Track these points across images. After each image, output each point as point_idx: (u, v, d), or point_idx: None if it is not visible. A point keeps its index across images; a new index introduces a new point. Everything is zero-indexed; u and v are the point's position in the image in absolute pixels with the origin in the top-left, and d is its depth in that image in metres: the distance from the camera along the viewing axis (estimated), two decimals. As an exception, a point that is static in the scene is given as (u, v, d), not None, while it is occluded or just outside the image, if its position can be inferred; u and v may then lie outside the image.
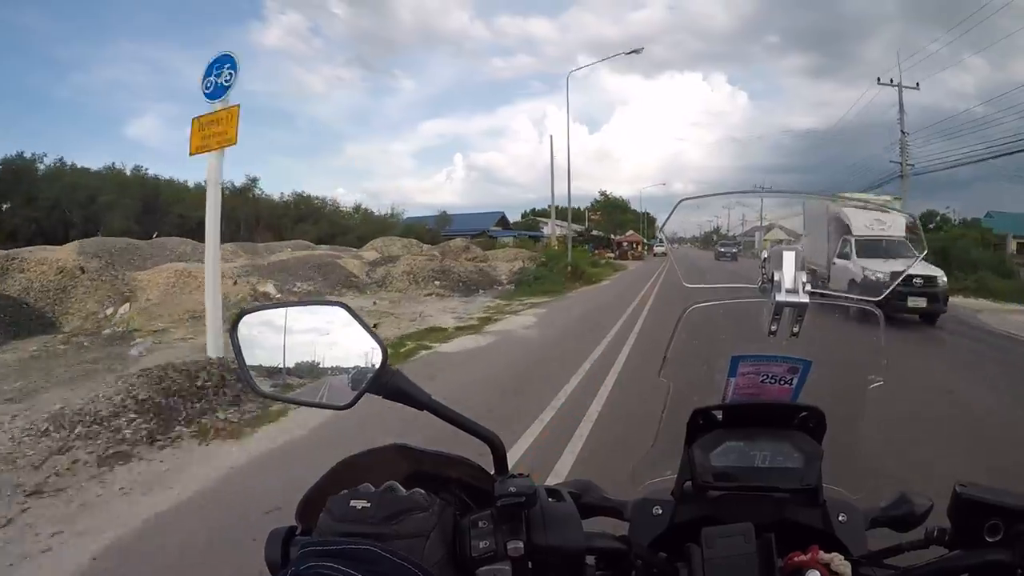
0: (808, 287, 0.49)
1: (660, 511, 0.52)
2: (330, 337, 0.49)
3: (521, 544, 0.41)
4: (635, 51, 15.32)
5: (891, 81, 15.90)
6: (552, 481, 0.65)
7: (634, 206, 40.50)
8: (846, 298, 0.59)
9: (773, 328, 0.51)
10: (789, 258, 0.51)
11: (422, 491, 0.39)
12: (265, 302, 0.64)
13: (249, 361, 0.48)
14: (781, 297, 0.50)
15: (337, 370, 0.47)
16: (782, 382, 0.54)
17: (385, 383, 0.46)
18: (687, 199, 0.60)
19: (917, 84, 16.17)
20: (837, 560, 0.44)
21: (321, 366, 0.48)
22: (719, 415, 0.52)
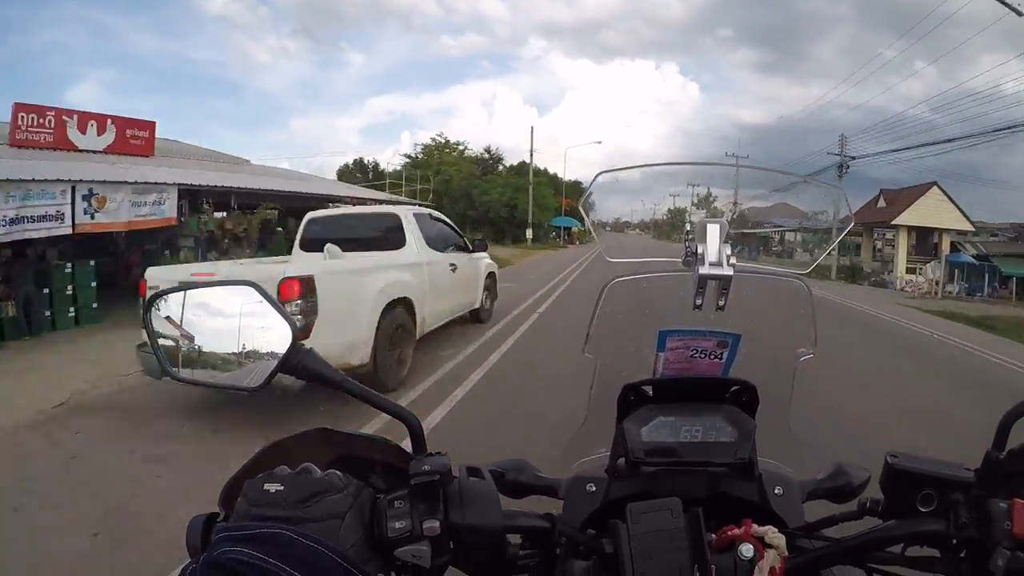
0: (733, 260, 0.50)
1: (594, 488, 0.54)
2: (242, 317, 0.49)
3: (437, 523, 0.41)
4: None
5: (837, 152, 19.27)
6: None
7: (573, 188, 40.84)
8: (772, 271, 0.60)
9: (698, 302, 0.51)
10: (713, 230, 0.51)
11: (338, 472, 0.40)
12: (177, 285, 0.57)
13: (163, 343, 0.49)
14: (704, 270, 0.50)
15: (250, 350, 0.48)
16: (712, 356, 0.55)
17: (296, 363, 0.46)
18: (605, 171, 0.60)
19: (853, 158, 19.07)
20: (771, 532, 0.45)
21: (234, 347, 0.48)
22: (649, 390, 0.52)
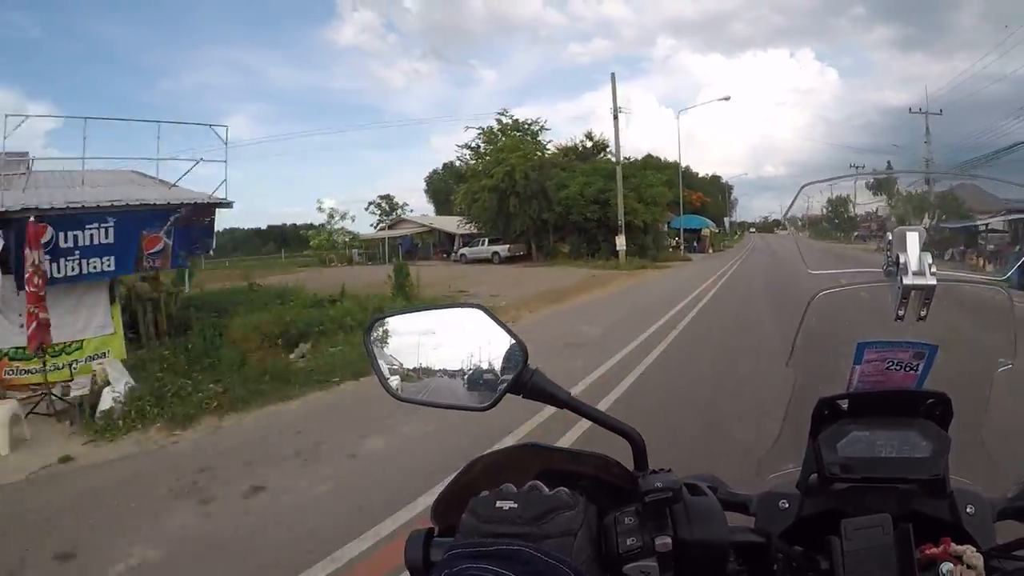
0: (934, 268, 0.51)
1: (786, 504, 0.56)
2: (468, 339, 0.52)
3: (669, 539, 0.43)
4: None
5: (920, 110, 22.00)
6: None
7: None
8: (973, 279, 0.61)
9: (900, 312, 0.53)
10: (913, 239, 0.52)
11: (566, 489, 0.43)
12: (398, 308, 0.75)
13: (385, 366, 0.54)
14: (908, 280, 0.52)
15: (477, 371, 0.52)
16: (907, 368, 0.57)
17: (525, 383, 0.50)
18: (810, 183, 0.63)
19: (940, 111, 21.83)
20: (970, 552, 0.46)
21: (459, 368, 0.53)
22: (844, 404, 0.55)
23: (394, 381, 0.54)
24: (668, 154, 45.80)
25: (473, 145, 24.20)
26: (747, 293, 10.84)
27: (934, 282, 0.51)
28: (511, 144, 22.82)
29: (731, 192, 61.35)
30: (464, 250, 25.85)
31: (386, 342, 0.55)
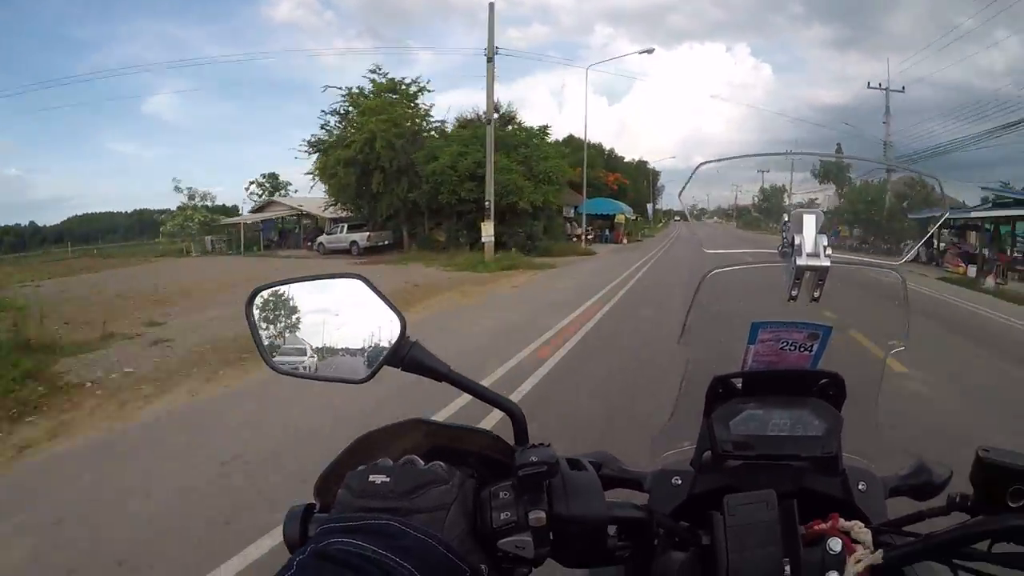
0: (830, 251, 0.57)
1: (679, 481, 0.61)
2: (348, 310, 0.55)
3: (543, 514, 0.46)
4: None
5: (879, 85, 23.98)
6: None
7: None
8: (868, 262, 0.66)
9: (794, 293, 0.58)
10: (810, 221, 0.57)
11: (442, 464, 0.46)
12: (279, 279, 0.56)
13: (265, 337, 0.57)
14: (802, 261, 0.56)
15: (355, 343, 0.54)
16: (802, 349, 0.63)
17: (403, 356, 0.52)
18: (707, 162, 0.67)
19: (903, 88, 24.19)
20: (857, 527, 0.50)
21: (339, 340, 0.55)
22: (738, 383, 0.61)
23: (273, 352, 0.57)
24: (601, 140, 48.87)
25: (341, 110, 21.59)
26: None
27: (827, 264, 0.56)
28: (375, 106, 19.76)
29: (657, 179, 63.95)
30: (323, 238, 23.24)
31: (267, 313, 0.57)
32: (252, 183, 32.10)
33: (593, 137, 52.76)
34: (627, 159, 53.81)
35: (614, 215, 31.01)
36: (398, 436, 0.52)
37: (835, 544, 0.48)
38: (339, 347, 0.55)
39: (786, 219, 0.61)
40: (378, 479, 0.44)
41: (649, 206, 48.61)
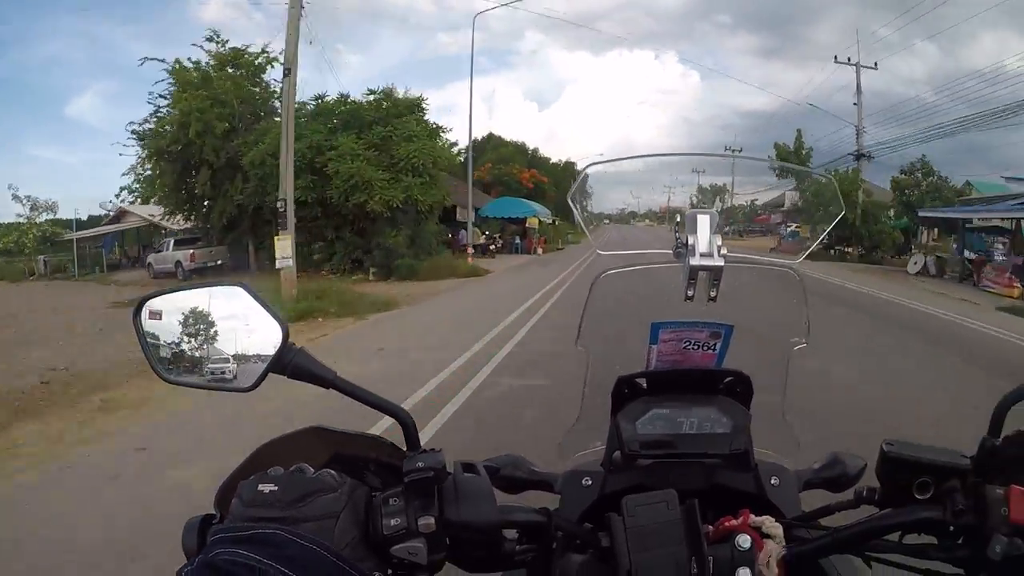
0: (724, 250, 0.71)
1: (589, 482, 0.76)
2: (232, 318, 0.69)
3: (432, 520, 0.57)
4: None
5: (848, 60, 28.28)
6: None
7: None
8: (763, 261, 0.83)
9: (690, 293, 0.73)
10: (704, 221, 0.71)
11: (332, 472, 0.58)
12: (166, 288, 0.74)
13: (153, 347, 0.70)
14: (695, 261, 0.70)
15: (242, 351, 0.68)
16: (705, 348, 0.79)
17: (288, 362, 0.65)
18: (594, 163, 0.83)
19: (875, 64, 28.88)
20: (768, 522, 0.62)
21: (224, 348, 0.69)
22: (643, 383, 0.77)
23: (164, 361, 0.70)
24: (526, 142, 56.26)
25: (167, 93, 21.13)
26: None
27: (721, 263, 0.71)
28: (197, 80, 18.24)
29: (586, 180, 67.35)
30: (152, 257, 22.99)
31: (154, 323, 0.70)
32: (122, 189, 29.90)
33: (521, 140, 57.22)
34: (553, 160, 60.57)
35: (525, 218, 31.41)
36: (298, 444, 0.66)
37: (744, 541, 0.60)
38: (224, 356, 0.69)
39: (679, 219, 0.75)
40: (267, 488, 0.55)
41: (576, 216, 50.79)
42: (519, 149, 46.49)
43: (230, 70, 19.22)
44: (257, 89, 19.85)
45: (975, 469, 0.66)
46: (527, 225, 31.39)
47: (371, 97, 19.74)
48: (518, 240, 30.49)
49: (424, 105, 20.08)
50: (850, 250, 27.34)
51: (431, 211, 20.10)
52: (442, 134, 21.16)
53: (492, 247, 27.41)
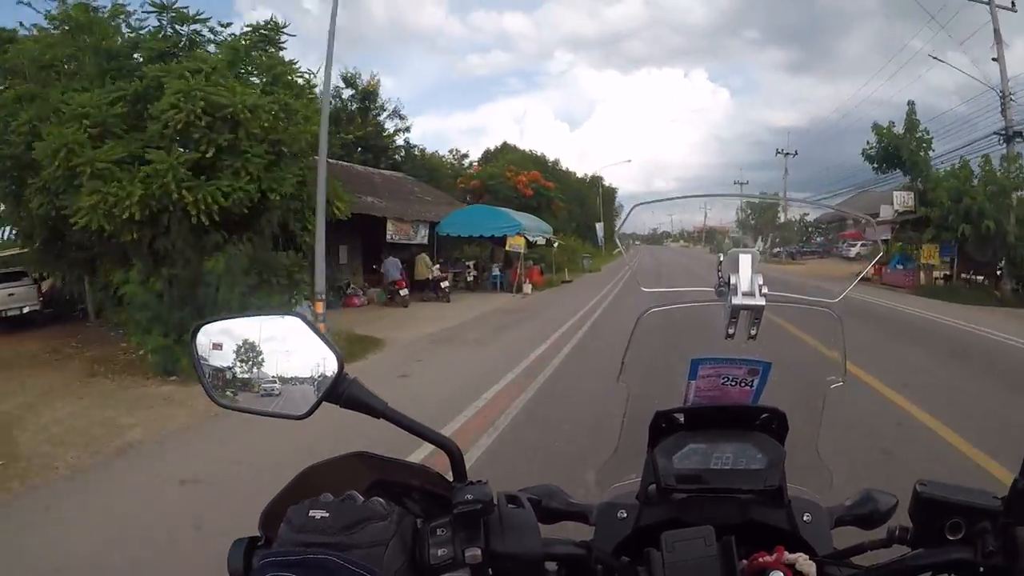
0: (765, 289, 1.00)
1: (625, 515, 1.06)
2: (287, 347, 0.99)
3: (479, 551, 0.82)
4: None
5: (783, 151, 59.09)
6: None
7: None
8: (804, 300, 1.14)
9: (731, 331, 1.02)
10: (745, 260, 1.00)
11: (381, 500, 0.84)
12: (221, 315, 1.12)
13: (208, 372, 1.03)
14: (737, 300, 0.98)
15: (295, 380, 0.98)
16: (743, 384, 1.09)
17: (341, 392, 0.95)
18: (641, 203, 1.25)
19: (795, 151, 57.93)
20: (802, 560, 0.88)
21: (279, 376, 0.98)
22: (681, 418, 1.08)
23: (217, 387, 1.01)
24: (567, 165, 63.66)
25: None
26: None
27: (763, 303, 0.99)
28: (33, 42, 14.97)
29: (613, 196, 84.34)
30: None
31: (210, 348, 1.01)
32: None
33: (540, 152, 60.34)
34: (579, 174, 67.36)
35: (503, 237, 25.91)
36: (341, 470, 0.96)
37: None
38: (280, 383, 1.00)
39: (721, 258, 1.04)
40: (318, 514, 0.78)
41: (598, 226, 54.92)
42: (535, 160, 48.20)
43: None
44: None
45: (1007, 511, 0.90)
46: (507, 247, 26.17)
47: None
48: (497, 271, 28.27)
49: (269, 29, 14.48)
50: (989, 280, 25.41)
51: (424, 231, 26.51)
52: (295, 78, 13.93)
53: (445, 284, 23.70)
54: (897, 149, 29.20)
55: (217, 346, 1.01)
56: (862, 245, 54.86)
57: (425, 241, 25.45)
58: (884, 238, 29.50)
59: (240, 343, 0.99)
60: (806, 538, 1.01)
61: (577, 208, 57.57)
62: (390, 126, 39.02)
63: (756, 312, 0.99)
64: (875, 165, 31.31)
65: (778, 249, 54.25)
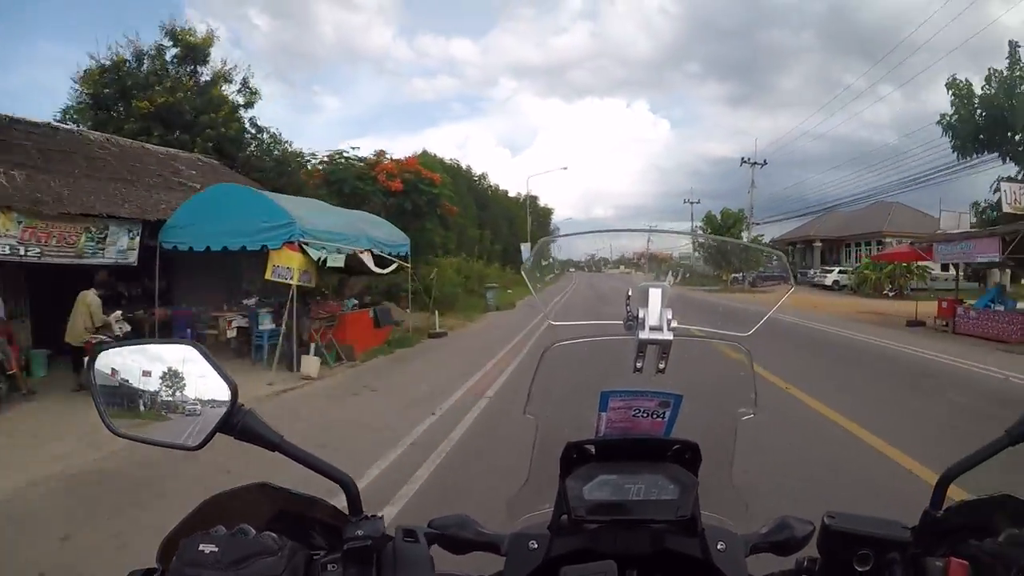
0: (674, 323, 1.18)
1: (535, 545, 1.20)
2: (185, 376, 1.10)
3: None
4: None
5: (750, 160, 67.22)
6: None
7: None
8: (714, 334, 1.29)
9: (639, 365, 1.20)
10: (655, 295, 1.18)
11: (273, 535, 0.96)
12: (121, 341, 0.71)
13: (106, 399, 1.11)
14: (644, 335, 1.17)
15: (190, 409, 1.09)
16: (655, 416, 1.25)
17: (236, 423, 1.07)
18: (551, 238, 1.54)
19: (764, 161, 67.96)
20: None
21: (175, 404, 1.09)
22: (592, 449, 1.22)
23: (112, 414, 1.10)
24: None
25: None
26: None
27: (670, 337, 1.16)
28: None
29: (550, 218, 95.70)
30: None
31: (108, 374, 1.12)
32: None
33: (467, 165, 62.58)
34: (512, 194, 70.84)
35: (265, 249, 14.95)
36: (244, 501, 1.07)
37: None
38: (175, 411, 1.10)
39: (629, 292, 1.20)
40: (207, 548, 0.89)
41: (524, 247, 54.61)
42: (447, 167, 46.69)
43: None
44: None
45: (916, 540, 1.07)
46: (274, 270, 14.91)
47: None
48: (269, 322, 15.99)
49: None
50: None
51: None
52: None
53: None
54: (1003, 112, 25.56)
55: (114, 372, 1.11)
56: (840, 271, 55.80)
57: (132, 260, 15.35)
58: (989, 258, 21.63)
59: (138, 370, 1.10)
60: (720, 566, 1.16)
61: (505, 228, 58.90)
62: (240, 101, 29.01)
63: (664, 347, 1.16)
64: (957, 142, 28.21)
65: (737, 275, 52.97)
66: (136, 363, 1.12)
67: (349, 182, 26.92)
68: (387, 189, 27.77)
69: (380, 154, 28.87)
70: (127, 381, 1.11)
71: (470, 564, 1.22)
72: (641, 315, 1.16)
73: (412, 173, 29.16)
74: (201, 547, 0.88)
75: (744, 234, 59.84)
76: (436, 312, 23.61)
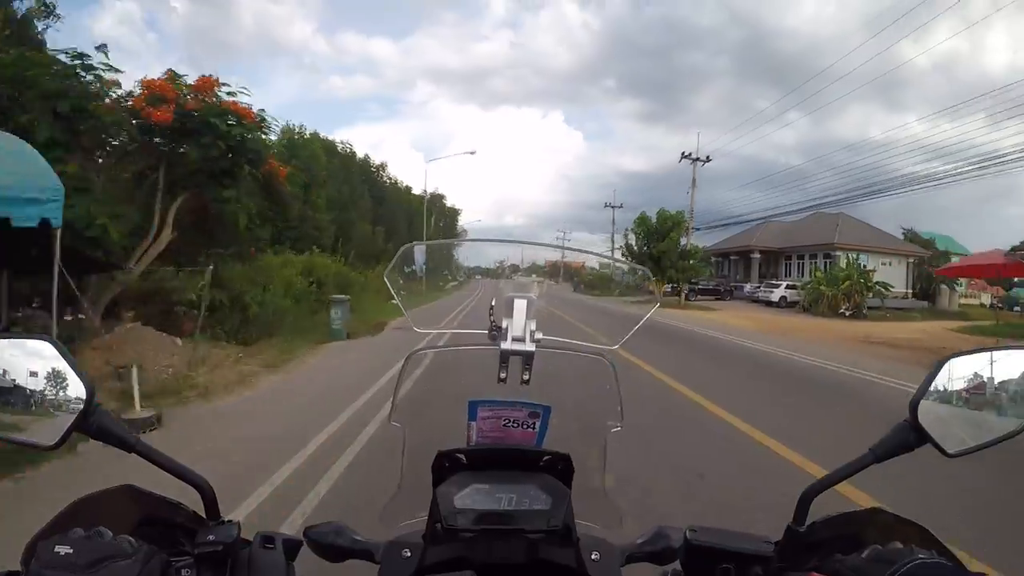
0: (539, 335, 1.34)
1: (409, 554, 1.32)
2: (40, 373, 1.16)
3: None
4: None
5: (691, 155, 67.56)
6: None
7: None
8: (578, 346, 1.43)
9: (503, 375, 1.34)
10: (520, 306, 1.35)
11: (129, 538, 1.04)
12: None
13: None
14: (507, 345, 1.33)
15: (45, 407, 1.15)
16: (525, 427, 1.38)
17: (92, 423, 1.16)
18: (414, 245, 1.50)
19: (708, 157, 67.89)
20: None
21: (28, 403, 1.15)
22: (464, 458, 1.32)
23: None
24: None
25: None
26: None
27: (532, 348, 1.32)
28: None
29: (456, 219, 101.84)
30: None
31: None
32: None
33: (343, 142, 63.93)
34: (416, 191, 72.95)
35: None
36: (110, 504, 1.14)
37: None
38: (29, 411, 1.14)
39: (493, 303, 1.31)
40: (62, 550, 0.97)
41: (395, 296, 55.52)
42: (342, 155, 48.69)
43: None
44: None
45: (779, 555, 1.20)
46: None
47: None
48: None
49: None
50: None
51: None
52: None
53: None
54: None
55: None
56: (788, 286, 57.01)
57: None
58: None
59: None
60: (593, 575, 1.29)
61: (404, 227, 60.48)
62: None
63: (527, 358, 1.32)
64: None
65: (670, 286, 57.79)
66: None
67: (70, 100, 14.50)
68: (152, 122, 16.25)
69: (171, 77, 17.20)
70: None
71: (345, 573, 1.36)
72: (504, 325, 1.31)
73: (204, 101, 17.34)
74: (57, 549, 0.96)
75: (683, 239, 60.49)
76: (136, 376, 10.12)
